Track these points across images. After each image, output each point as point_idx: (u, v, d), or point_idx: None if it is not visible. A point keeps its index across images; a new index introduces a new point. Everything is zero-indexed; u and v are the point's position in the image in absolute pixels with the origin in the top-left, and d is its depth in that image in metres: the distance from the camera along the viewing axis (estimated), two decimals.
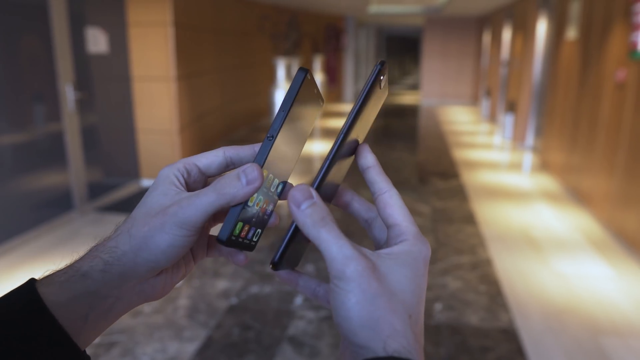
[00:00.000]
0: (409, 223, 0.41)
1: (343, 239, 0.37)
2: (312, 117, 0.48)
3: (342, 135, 0.41)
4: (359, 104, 0.41)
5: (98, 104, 5.25)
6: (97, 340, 2.62)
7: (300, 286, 0.44)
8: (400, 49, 25.22)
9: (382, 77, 0.42)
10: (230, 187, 0.41)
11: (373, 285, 0.36)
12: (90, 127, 5.01)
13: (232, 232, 0.42)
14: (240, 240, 0.44)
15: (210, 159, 0.46)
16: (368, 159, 0.43)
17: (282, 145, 0.44)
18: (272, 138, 0.43)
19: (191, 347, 2.59)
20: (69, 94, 4.30)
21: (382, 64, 0.42)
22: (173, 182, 0.44)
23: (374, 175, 0.43)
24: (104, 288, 0.41)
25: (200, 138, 6.18)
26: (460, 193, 5.43)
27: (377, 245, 0.45)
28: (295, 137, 0.47)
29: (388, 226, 0.41)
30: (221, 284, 3.25)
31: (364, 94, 0.41)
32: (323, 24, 12.70)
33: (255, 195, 0.43)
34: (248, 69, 7.98)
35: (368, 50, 18.62)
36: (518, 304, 3.09)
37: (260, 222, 0.46)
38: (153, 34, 5.24)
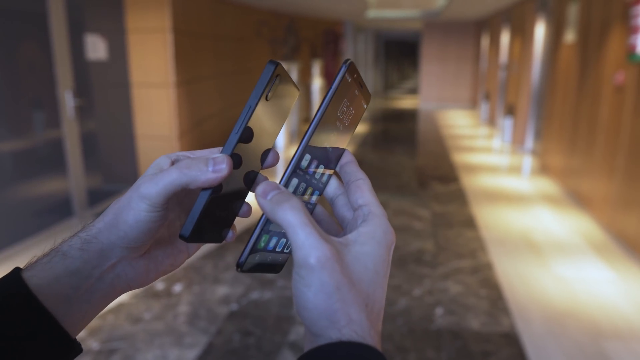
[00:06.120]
0: (378, 206, 0.42)
1: (310, 226, 0.36)
2: (286, 108, 0.46)
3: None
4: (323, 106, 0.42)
5: (97, 110, 5.26)
6: (97, 347, 2.61)
7: None
8: (399, 53, 25.29)
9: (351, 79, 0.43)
10: (194, 169, 0.41)
11: (334, 277, 0.36)
12: (89, 134, 5.02)
13: (196, 227, 0.41)
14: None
15: (204, 154, 0.46)
16: (347, 156, 0.45)
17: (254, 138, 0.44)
18: (239, 131, 0.42)
19: (192, 354, 2.58)
20: (68, 101, 4.30)
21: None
22: (161, 167, 0.44)
23: (352, 166, 0.44)
24: (84, 267, 0.42)
25: (199, 144, 6.18)
26: (460, 197, 5.43)
27: (341, 224, 0.45)
28: (268, 129, 0.45)
29: (357, 207, 0.42)
30: (221, 290, 3.24)
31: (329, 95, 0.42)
32: (321, 29, 12.73)
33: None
34: (247, 74, 7.99)
35: (367, 54, 18.65)
36: (519, 308, 3.08)
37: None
38: (152, 40, 5.25)
